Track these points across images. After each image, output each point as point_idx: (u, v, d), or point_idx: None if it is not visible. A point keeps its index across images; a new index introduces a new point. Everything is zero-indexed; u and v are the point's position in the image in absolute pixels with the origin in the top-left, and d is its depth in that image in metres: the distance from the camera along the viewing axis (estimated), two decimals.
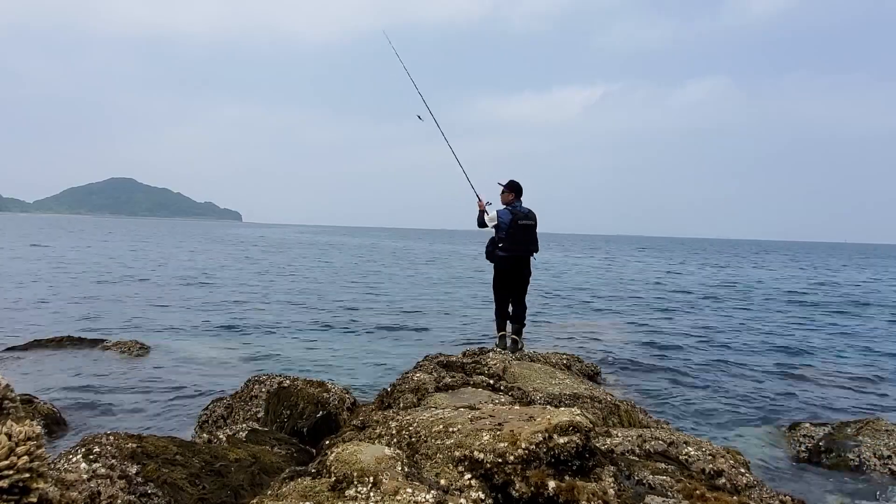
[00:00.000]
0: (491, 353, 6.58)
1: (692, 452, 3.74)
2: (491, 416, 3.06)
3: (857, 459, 5.31)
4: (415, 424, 3.13)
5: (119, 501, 2.76)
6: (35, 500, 2.13)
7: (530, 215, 7.13)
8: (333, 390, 5.39)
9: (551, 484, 2.55)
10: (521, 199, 7.23)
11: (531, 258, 7.27)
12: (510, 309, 7.41)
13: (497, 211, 7.15)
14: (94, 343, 9.26)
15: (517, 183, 7.21)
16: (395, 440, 3.06)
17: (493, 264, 7.31)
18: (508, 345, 7.21)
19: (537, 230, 7.22)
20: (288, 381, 5.41)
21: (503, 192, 7.22)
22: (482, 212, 7.17)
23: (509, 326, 7.43)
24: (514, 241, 7.07)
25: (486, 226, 7.12)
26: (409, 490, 2.41)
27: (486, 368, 5.72)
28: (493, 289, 7.42)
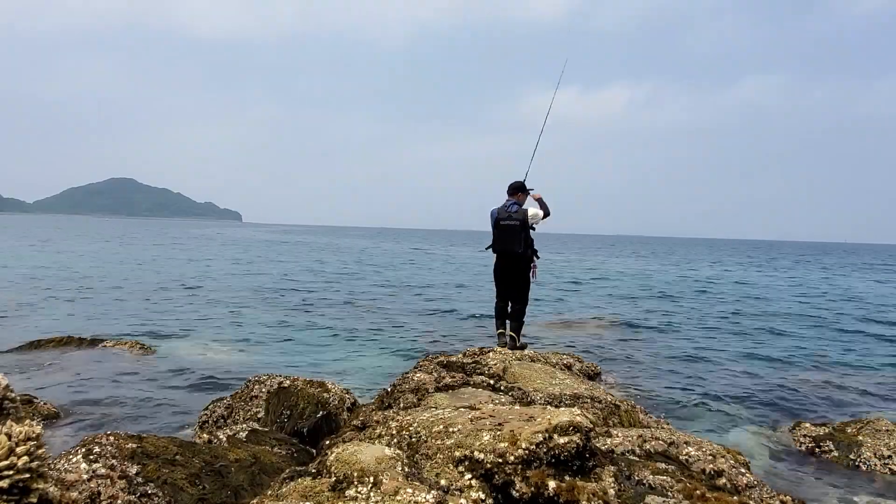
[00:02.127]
0: (491, 354, 6.58)
1: (692, 452, 3.74)
2: (491, 416, 3.05)
3: (858, 459, 5.31)
4: (415, 424, 3.12)
5: (119, 501, 2.76)
6: (35, 500, 2.13)
7: (514, 215, 7.08)
8: (333, 390, 5.39)
9: (551, 484, 2.55)
10: (518, 196, 7.24)
11: (517, 257, 7.18)
12: (509, 308, 7.46)
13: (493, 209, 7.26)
14: (94, 343, 9.26)
15: (513, 182, 7.26)
16: (395, 440, 3.06)
17: None
18: (507, 342, 7.24)
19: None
20: (288, 381, 5.41)
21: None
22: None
23: (509, 325, 7.47)
24: (495, 240, 7.23)
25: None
26: (410, 490, 2.41)
27: (486, 368, 5.72)
28: None
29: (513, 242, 7.10)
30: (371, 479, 2.48)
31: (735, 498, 3.00)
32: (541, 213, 7.16)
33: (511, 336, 7.33)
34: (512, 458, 2.62)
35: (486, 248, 7.40)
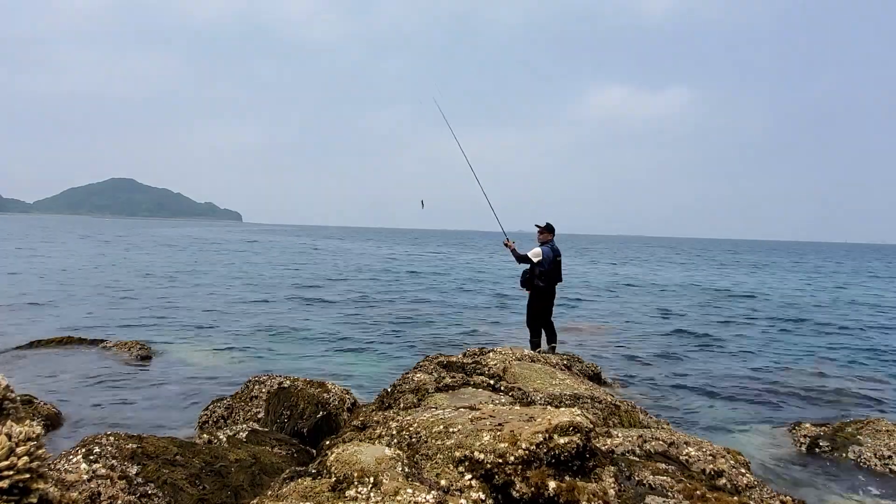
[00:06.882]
0: (491, 354, 6.58)
1: (692, 453, 3.74)
2: (491, 416, 3.05)
3: (858, 459, 5.31)
4: (415, 425, 3.12)
5: (119, 502, 2.76)
6: (35, 500, 2.13)
7: (559, 252, 8.38)
8: (334, 391, 5.39)
9: (552, 484, 2.55)
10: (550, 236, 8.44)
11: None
12: (543, 331, 8.45)
13: (541, 248, 8.24)
14: (94, 343, 9.25)
15: (552, 225, 8.38)
16: (395, 440, 3.05)
17: (528, 291, 8.37)
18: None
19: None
20: (288, 382, 5.40)
21: (542, 232, 8.37)
22: (517, 252, 8.19)
23: (544, 344, 8.36)
24: (551, 276, 8.24)
25: (530, 261, 8.19)
26: (410, 490, 2.41)
27: (486, 369, 5.72)
28: (529, 316, 8.46)
29: (560, 274, 8.38)
30: (371, 479, 2.48)
31: (735, 498, 3.00)
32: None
33: (552, 346, 8.26)
34: (512, 458, 2.61)
35: (538, 283, 8.18)
